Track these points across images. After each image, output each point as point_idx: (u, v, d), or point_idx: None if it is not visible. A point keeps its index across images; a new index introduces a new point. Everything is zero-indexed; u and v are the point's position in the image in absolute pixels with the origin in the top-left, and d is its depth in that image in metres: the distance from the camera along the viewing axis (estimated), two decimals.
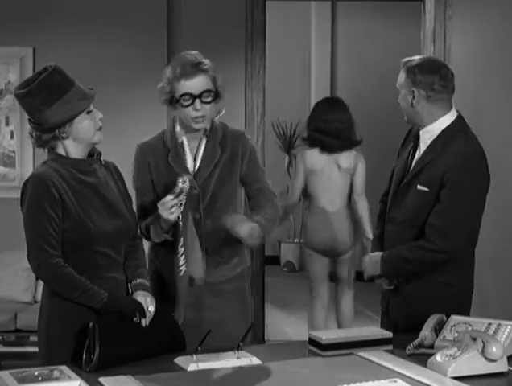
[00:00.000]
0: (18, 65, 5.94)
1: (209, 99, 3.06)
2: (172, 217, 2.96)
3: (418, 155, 3.32)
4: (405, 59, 3.34)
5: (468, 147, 3.27)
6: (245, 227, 3.06)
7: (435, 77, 3.27)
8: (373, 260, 3.34)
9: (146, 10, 5.93)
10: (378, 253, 3.35)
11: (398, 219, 3.32)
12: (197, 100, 3.03)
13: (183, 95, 3.03)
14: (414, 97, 3.27)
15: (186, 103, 3.04)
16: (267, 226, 3.21)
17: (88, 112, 2.80)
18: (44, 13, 5.89)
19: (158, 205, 2.99)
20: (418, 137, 3.35)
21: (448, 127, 3.29)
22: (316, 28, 8.84)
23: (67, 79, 2.77)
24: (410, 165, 3.33)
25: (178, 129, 3.18)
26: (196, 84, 3.03)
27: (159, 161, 3.17)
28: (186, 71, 3.02)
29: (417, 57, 3.35)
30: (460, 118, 3.34)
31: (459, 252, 3.22)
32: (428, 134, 3.30)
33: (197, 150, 3.17)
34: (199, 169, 3.15)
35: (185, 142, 3.17)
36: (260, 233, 3.10)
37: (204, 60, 3.07)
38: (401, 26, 8.39)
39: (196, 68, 3.03)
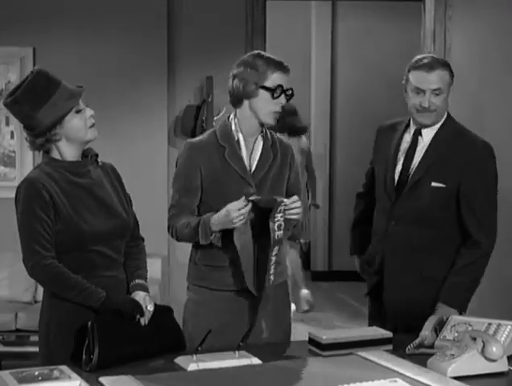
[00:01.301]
0: (18, 65, 5.94)
1: (289, 97, 3.14)
2: (239, 224, 2.94)
3: (419, 153, 3.31)
4: (431, 60, 3.28)
5: (480, 139, 3.33)
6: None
7: None
8: (440, 315, 3.05)
9: (147, 10, 5.93)
10: (437, 314, 3.12)
11: (406, 218, 3.30)
12: (283, 95, 3.10)
13: (277, 86, 3.07)
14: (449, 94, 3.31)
15: (276, 94, 3.07)
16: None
17: (78, 112, 2.79)
18: (44, 13, 5.89)
19: (228, 208, 2.94)
20: (417, 135, 3.34)
21: (443, 124, 3.32)
22: (317, 28, 8.83)
23: (52, 80, 2.76)
24: (409, 164, 3.32)
25: (234, 127, 3.16)
26: (287, 79, 3.10)
27: (213, 159, 3.12)
28: (283, 66, 3.09)
29: (427, 56, 3.33)
30: (450, 115, 3.38)
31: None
32: (430, 133, 3.31)
33: (253, 150, 3.16)
34: (256, 169, 3.14)
35: (241, 141, 3.15)
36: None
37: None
38: (401, 26, 8.39)
39: (286, 68, 3.11)
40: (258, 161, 3.15)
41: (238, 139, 3.15)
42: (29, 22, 5.88)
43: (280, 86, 3.07)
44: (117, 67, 5.93)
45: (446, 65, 3.30)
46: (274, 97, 3.07)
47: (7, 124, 5.97)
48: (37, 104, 2.73)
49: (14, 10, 5.88)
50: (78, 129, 2.80)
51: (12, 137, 5.98)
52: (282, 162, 3.19)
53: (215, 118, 5.83)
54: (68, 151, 2.82)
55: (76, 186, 2.82)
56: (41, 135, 2.77)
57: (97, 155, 2.92)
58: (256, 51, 3.19)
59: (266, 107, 3.09)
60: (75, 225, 2.77)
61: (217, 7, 5.98)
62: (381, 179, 3.40)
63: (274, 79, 3.07)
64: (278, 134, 3.30)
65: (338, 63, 8.83)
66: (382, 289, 3.39)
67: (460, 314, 3.17)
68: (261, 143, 3.17)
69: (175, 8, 5.97)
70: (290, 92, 3.11)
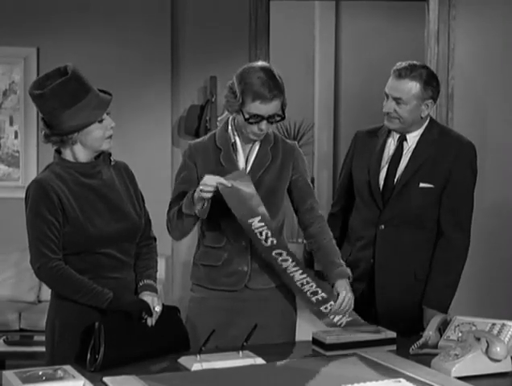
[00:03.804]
0: (21, 65, 5.95)
1: (274, 120, 3.04)
2: (202, 194, 2.87)
3: (405, 157, 3.31)
4: (405, 67, 3.22)
5: (464, 137, 3.35)
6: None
7: (440, 85, 3.33)
8: (430, 319, 3.04)
9: (151, 10, 5.94)
10: (427, 313, 3.22)
11: (396, 221, 3.29)
12: (264, 122, 3.00)
13: (253, 115, 2.99)
14: (427, 108, 3.26)
15: (253, 121, 3.00)
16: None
17: (101, 121, 2.77)
18: (48, 13, 5.90)
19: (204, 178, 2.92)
20: (401, 141, 3.33)
21: (427, 126, 3.33)
22: (320, 28, 8.84)
23: (83, 86, 2.73)
24: (395, 169, 3.31)
25: (230, 130, 3.14)
26: (268, 108, 2.98)
27: (210, 161, 3.12)
28: (263, 95, 2.96)
29: (406, 63, 3.25)
30: (432, 119, 3.39)
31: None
32: (415, 138, 3.31)
33: (249, 153, 3.14)
34: (249, 172, 3.11)
35: (238, 143, 3.13)
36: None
37: (279, 80, 3.02)
38: (405, 26, 8.38)
39: (273, 93, 2.97)
40: (253, 164, 3.12)
41: (235, 141, 3.13)
42: (33, 22, 5.89)
43: (256, 115, 2.98)
44: (120, 67, 5.94)
45: (419, 77, 3.21)
46: (250, 123, 3.01)
47: (11, 124, 5.99)
48: (63, 105, 2.70)
49: (17, 11, 5.89)
50: (95, 139, 2.78)
51: (16, 137, 5.99)
52: (282, 164, 3.15)
53: (219, 118, 5.83)
54: (81, 155, 2.81)
55: (86, 188, 2.81)
56: (58, 135, 2.76)
57: (109, 155, 2.91)
58: (250, 66, 3.06)
59: (246, 127, 3.05)
60: (82, 228, 2.76)
61: (221, 7, 5.99)
62: (363, 186, 3.37)
63: (250, 107, 2.98)
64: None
65: (342, 63, 8.83)
66: (369, 295, 3.36)
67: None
68: (257, 146, 3.14)
69: (179, 8, 5.98)
70: (273, 118, 3.01)
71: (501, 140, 5.72)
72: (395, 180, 3.30)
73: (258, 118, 2.99)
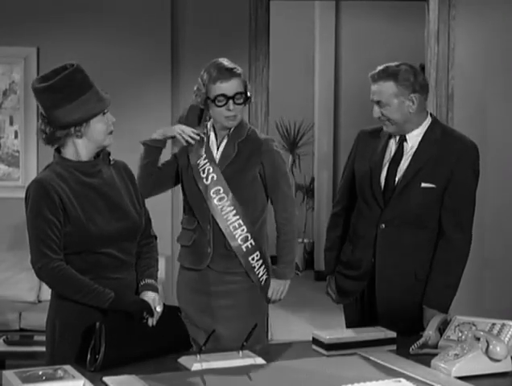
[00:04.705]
0: (22, 65, 5.95)
1: (241, 100, 3.34)
2: (178, 135, 3.40)
3: (406, 157, 3.31)
4: (378, 71, 3.24)
5: (467, 137, 3.35)
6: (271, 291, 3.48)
7: (423, 77, 3.31)
8: (430, 319, 3.00)
9: (151, 10, 5.94)
10: (427, 313, 3.24)
11: (397, 221, 3.29)
12: (230, 101, 3.31)
13: (218, 96, 3.30)
14: (413, 103, 3.25)
15: (220, 103, 3.31)
16: (291, 259, 3.52)
17: (104, 114, 2.81)
18: (48, 13, 5.90)
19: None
20: (402, 142, 3.33)
21: (430, 126, 3.31)
22: (320, 27, 8.83)
23: (87, 80, 2.78)
24: (396, 169, 3.31)
25: (209, 125, 3.47)
26: (230, 86, 3.30)
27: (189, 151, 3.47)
28: (222, 75, 3.30)
29: (381, 66, 3.26)
30: (433, 116, 3.39)
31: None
32: (414, 138, 3.31)
33: (219, 146, 3.44)
34: (218, 164, 3.41)
35: (212, 138, 3.45)
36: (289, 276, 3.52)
37: (235, 65, 3.35)
38: (405, 26, 8.38)
39: (230, 72, 3.31)
40: (220, 156, 3.41)
41: (209, 136, 3.43)
42: (33, 22, 5.89)
43: (221, 95, 3.29)
44: (121, 67, 5.93)
45: (391, 76, 3.22)
46: (218, 106, 3.31)
47: (11, 123, 5.98)
48: (70, 96, 2.73)
49: (17, 11, 5.89)
50: (100, 133, 2.80)
51: (16, 136, 5.99)
52: (248, 158, 3.39)
53: None
54: (84, 150, 2.82)
55: (87, 187, 2.81)
56: (65, 128, 2.76)
57: (109, 154, 2.92)
58: (212, 61, 3.39)
59: (218, 114, 3.35)
60: (83, 227, 2.76)
61: (221, 7, 5.99)
62: (365, 186, 3.38)
63: (214, 90, 3.31)
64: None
65: (342, 63, 8.83)
66: (369, 294, 3.38)
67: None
68: (225, 140, 3.41)
69: (179, 8, 5.98)
70: (239, 98, 3.30)
71: (501, 140, 5.72)
72: (396, 180, 3.30)
73: (223, 99, 3.30)
